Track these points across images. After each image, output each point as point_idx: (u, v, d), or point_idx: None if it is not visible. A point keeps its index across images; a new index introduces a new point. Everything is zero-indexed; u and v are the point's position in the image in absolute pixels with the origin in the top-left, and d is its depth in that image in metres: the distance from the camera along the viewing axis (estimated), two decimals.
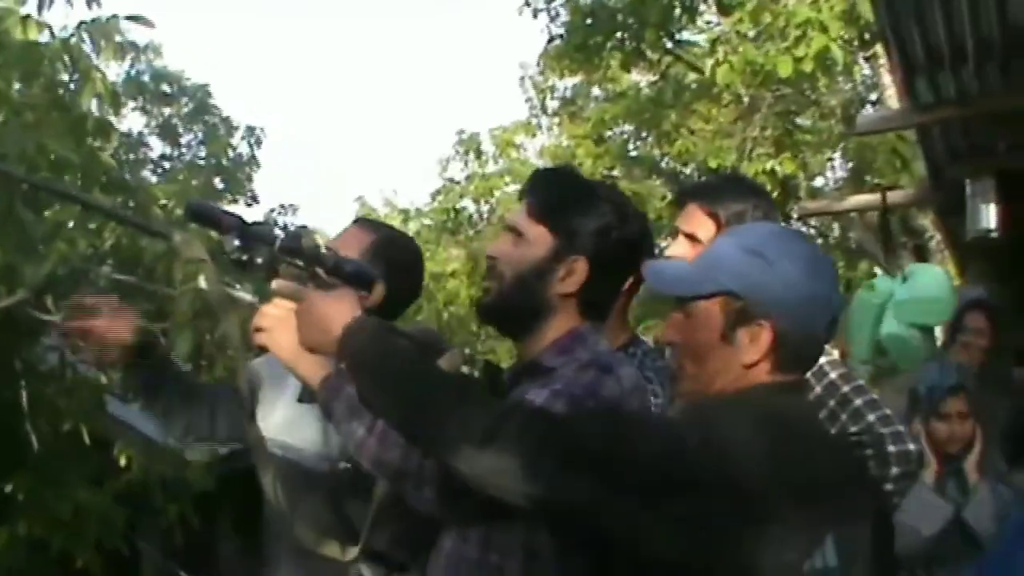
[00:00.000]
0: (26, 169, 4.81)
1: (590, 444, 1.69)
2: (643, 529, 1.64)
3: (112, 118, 5.63)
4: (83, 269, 5.05)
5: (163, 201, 5.99)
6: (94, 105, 5.38)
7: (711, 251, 1.90)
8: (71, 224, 4.91)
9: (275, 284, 2.10)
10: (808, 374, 2.70)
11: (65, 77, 5.63)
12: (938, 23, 4.65)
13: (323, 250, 2.20)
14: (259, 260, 2.19)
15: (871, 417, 2.74)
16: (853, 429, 2.73)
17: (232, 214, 2.23)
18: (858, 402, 2.76)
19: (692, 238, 2.74)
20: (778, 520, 1.65)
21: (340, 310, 2.01)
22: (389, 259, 2.69)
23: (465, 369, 2.38)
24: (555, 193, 2.22)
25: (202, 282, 2.26)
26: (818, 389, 2.76)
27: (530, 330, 2.21)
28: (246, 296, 2.25)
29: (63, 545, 5.90)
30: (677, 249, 2.76)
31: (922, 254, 10.40)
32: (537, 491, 1.69)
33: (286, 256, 2.22)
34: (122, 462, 6.52)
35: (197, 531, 6.50)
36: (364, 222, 2.87)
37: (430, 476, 1.99)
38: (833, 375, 2.78)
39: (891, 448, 2.72)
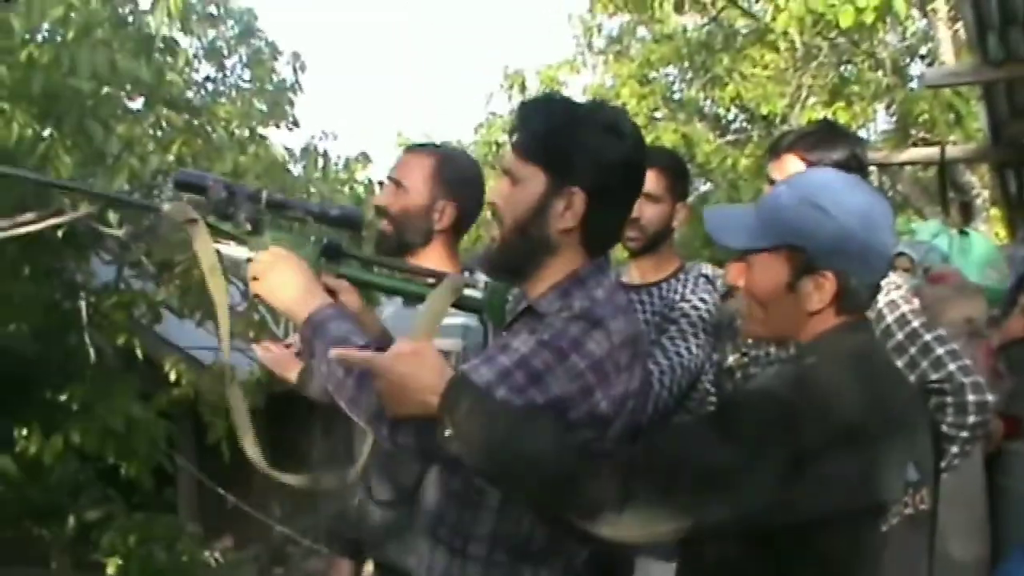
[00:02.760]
0: (95, 85, 4.87)
1: (712, 461, 1.71)
2: (787, 501, 1.70)
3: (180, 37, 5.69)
4: (151, 185, 5.13)
5: (223, 122, 6.02)
6: (159, 23, 5.43)
7: (772, 202, 1.93)
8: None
9: (335, 354, 1.98)
10: (892, 320, 2.78)
11: None
12: None
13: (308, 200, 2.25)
14: (244, 214, 2.27)
15: (952, 366, 2.76)
16: (934, 377, 2.75)
17: (219, 179, 2.31)
18: (940, 351, 2.77)
19: None
20: (885, 446, 1.79)
21: (426, 374, 1.88)
22: (454, 176, 2.77)
23: (467, 292, 2.32)
24: (540, 125, 2.08)
25: (194, 244, 2.24)
26: (900, 336, 2.78)
27: (532, 273, 2.12)
28: (239, 252, 2.27)
29: (114, 457, 6.08)
30: None
31: (968, 211, 10.36)
32: (686, 525, 1.72)
33: (273, 209, 2.30)
34: (171, 378, 6.67)
35: (239, 447, 6.62)
36: (417, 147, 2.89)
37: (405, 424, 1.95)
38: (916, 323, 2.80)
39: (971, 397, 2.74)
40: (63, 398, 6.07)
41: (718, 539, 1.80)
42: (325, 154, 7.02)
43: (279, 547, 10.45)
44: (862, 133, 13.10)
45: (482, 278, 2.32)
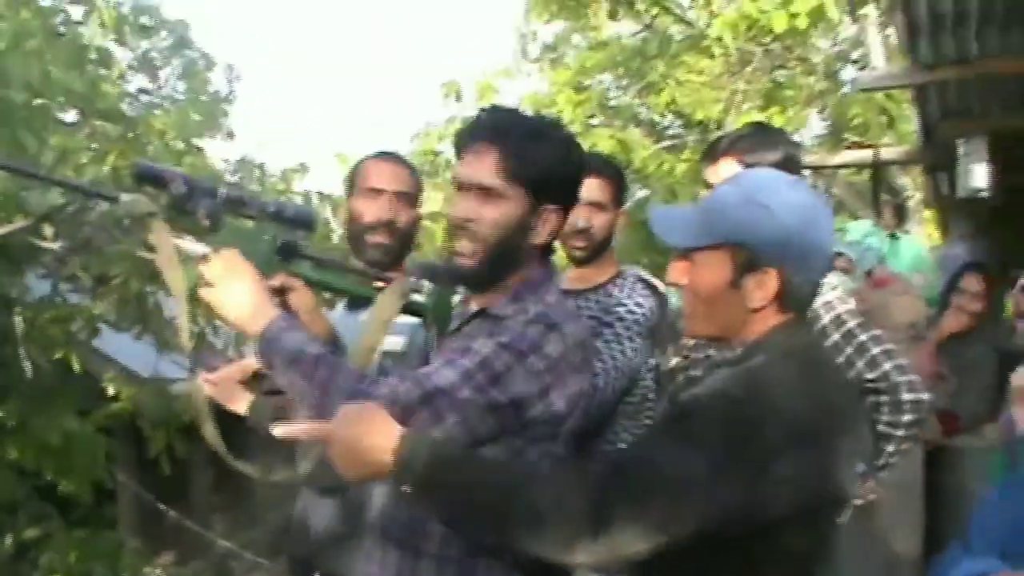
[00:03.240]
0: (28, 97, 4.80)
1: (681, 473, 1.70)
2: (754, 502, 1.71)
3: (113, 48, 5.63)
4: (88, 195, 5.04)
5: (159, 132, 5.96)
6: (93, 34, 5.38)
7: (716, 201, 1.95)
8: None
9: (279, 431, 1.87)
10: (828, 320, 2.82)
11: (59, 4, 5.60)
12: None
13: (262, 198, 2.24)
14: (202, 209, 2.25)
15: (887, 365, 2.81)
16: (870, 376, 2.80)
17: (177, 171, 2.30)
18: (875, 350, 2.82)
19: None
20: (838, 442, 1.82)
21: (376, 433, 1.80)
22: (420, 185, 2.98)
23: (417, 297, 2.39)
24: (524, 148, 2.14)
25: (151, 237, 2.21)
26: (836, 336, 2.82)
27: (501, 284, 2.21)
28: (197, 248, 2.25)
29: (53, 473, 5.98)
30: None
31: (901, 213, 10.52)
32: (660, 540, 1.70)
33: (230, 206, 2.29)
34: (110, 392, 6.58)
35: (179, 461, 6.56)
36: (395, 157, 2.99)
37: None
38: (852, 323, 2.84)
39: (906, 396, 2.79)
40: None
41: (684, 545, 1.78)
42: (262, 166, 6.98)
43: (221, 562, 10.35)
44: (796, 137, 13.24)
45: (427, 284, 2.35)
